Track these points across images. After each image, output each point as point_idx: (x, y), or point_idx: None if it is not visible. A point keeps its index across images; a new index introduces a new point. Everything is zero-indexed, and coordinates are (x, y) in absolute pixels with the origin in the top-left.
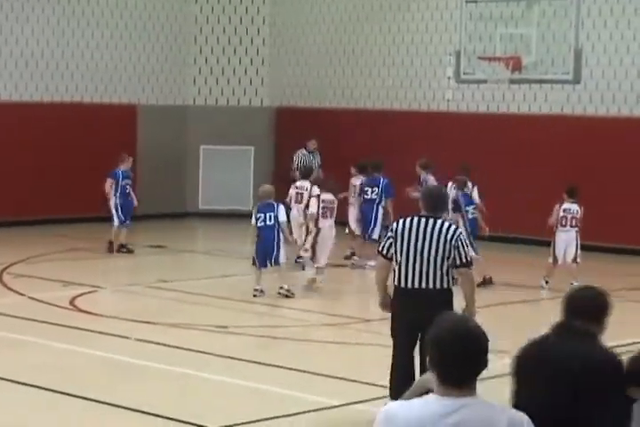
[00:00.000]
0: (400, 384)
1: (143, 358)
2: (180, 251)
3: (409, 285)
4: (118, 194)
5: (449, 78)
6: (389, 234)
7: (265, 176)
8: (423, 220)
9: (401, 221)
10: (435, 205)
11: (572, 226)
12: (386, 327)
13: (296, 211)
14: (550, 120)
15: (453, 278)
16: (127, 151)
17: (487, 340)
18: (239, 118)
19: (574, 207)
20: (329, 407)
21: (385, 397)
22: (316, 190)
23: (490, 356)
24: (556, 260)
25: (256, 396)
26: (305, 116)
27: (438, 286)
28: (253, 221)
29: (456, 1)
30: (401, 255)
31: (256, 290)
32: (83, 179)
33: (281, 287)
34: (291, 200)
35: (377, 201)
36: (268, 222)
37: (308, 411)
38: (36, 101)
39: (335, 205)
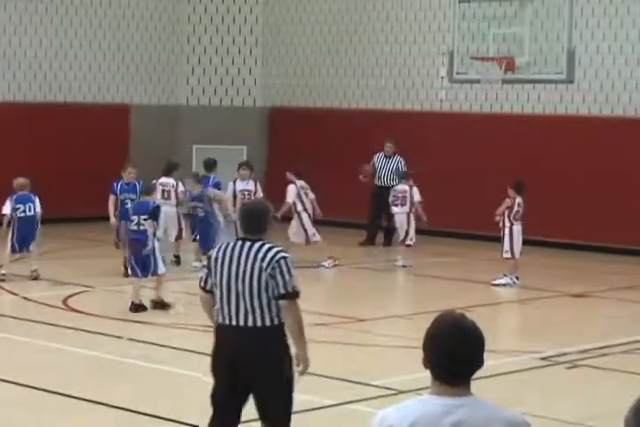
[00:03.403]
0: None
1: (134, 357)
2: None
3: (226, 321)
4: (118, 212)
5: (442, 78)
6: (205, 262)
7: (258, 176)
8: (239, 244)
9: (217, 247)
10: (251, 225)
11: (521, 220)
12: (380, 327)
13: (168, 207)
14: (543, 120)
15: (279, 313)
16: (120, 151)
17: (484, 339)
18: (232, 118)
19: (522, 202)
20: (323, 407)
21: (380, 396)
22: (181, 186)
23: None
24: (514, 254)
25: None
26: (298, 116)
27: (259, 323)
28: (9, 211)
29: (449, 1)
30: (216, 287)
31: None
32: (75, 178)
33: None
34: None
35: None
36: (28, 213)
37: (302, 411)
38: (28, 101)
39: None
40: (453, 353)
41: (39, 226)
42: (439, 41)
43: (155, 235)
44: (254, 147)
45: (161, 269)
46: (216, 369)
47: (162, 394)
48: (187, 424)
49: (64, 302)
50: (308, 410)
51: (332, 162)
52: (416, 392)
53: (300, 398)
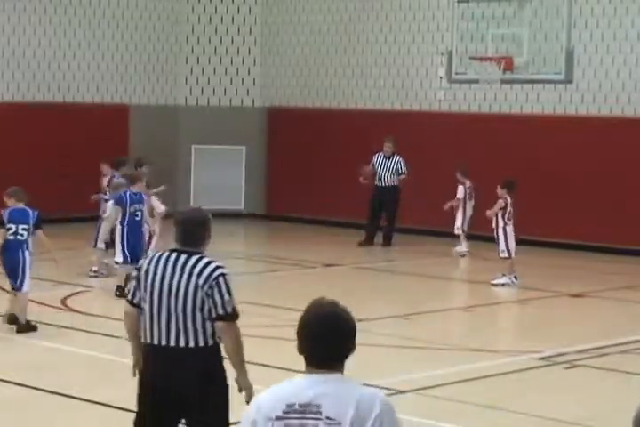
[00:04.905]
0: None
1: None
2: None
3: (154, 341)
4: (126, 224)
5: (441, 78)
6: (134, 274)
7: (256, 176)
8: (173, 256)
9: (149, 258)
10: (187, 236)
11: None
12: (379, 327)
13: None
14: (542, 120)
15: (214, 333)
16: (120, 151)
17: (353, 324)
18: (231, 118)
19: (511, 201)
20: None
21: None
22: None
23: (483, 355)
24: (510, 253)
25: None
26: (297, 116)
27: (192, 343)
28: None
29: (448, 1)
30: (145, 302)
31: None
32: (74, 178)
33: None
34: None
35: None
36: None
37: None
38: (27, 101)
39: None
40: (320, 339)
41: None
42: (438, 41)
43: (29, 247)
44: (253, 147)
45: (26, 286)
46: (142, 394)
47: None
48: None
49: (63, 302)
50: None
51: (330, 162)
52: (415, 392)
53: None
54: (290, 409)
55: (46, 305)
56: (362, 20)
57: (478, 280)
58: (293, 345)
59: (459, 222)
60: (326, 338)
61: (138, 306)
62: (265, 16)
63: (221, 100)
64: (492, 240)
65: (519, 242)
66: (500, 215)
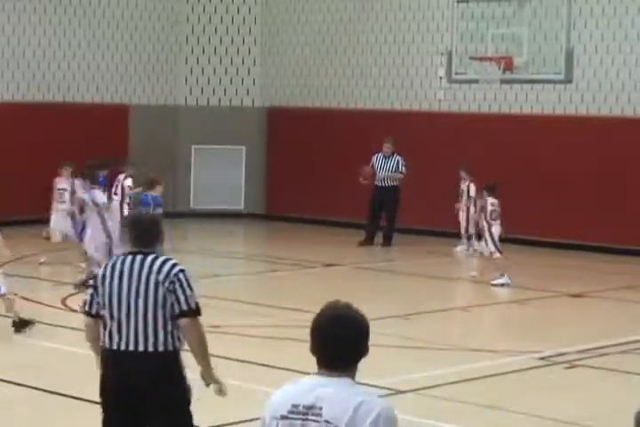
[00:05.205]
0: None
1: None
2: (170, 251)
3: (114, 345)
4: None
5: (441, 78)
6: (91, 282)
7: (256, 176)
8: (129, 258)
9: (105, 264)
10: (141, 237)
11: (499, 219)
12: (378, 327)
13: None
14: (542, 120)
15: (175, 339)
16: (119, 152)
17: (366, 326)
18: (231, 118)
19: (496, 202)
20: None
21: (378, 396)
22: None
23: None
24: (500, 251)
25: (246, 395)
26: (296, 116)
27: (152, 347)
28: None
29: (447, 1)
30: (104, 307)
31: None
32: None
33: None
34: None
35: None
36: None
37: None
38: (27, 101)
39: None
40: (331, 340)
41: None
42: (438, 41)
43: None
44: (253, 147)
45: (2, 289)
46: (105, 400)
47: None
48: None
49: (63, 301)
50: None
51: (330, 162)
52: (415, 392)
53: None
54: (294, 410)
55: (46, 305)
56: (362, 20)
57: (478, 280)
58: (293, 345)
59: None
60: (337, 339)
61: (97, 316)
62: (265, 16)
63: (221, 100)
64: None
65: (519, 242)
66: (482, 217)
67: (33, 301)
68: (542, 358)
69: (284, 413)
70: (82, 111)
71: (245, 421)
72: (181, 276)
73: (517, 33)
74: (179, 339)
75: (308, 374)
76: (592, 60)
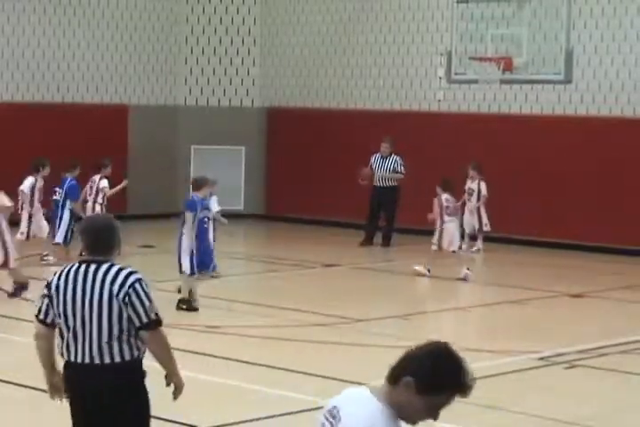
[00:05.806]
0: None
1: None
2: (169, 251)
3: (71, 357)
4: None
5: (440, 79)
6: (44, 292)
7: (256, 176)
8: (83, 267)
9: (58, 273)
10: (96, 244)
11: (455, 215)
12: (378, 327)
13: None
14: (541, 120)
15: (132, 348)
16: (119, 152)
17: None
18: (230, 118)
19: (452, 198)
20: (319, 407)
21: None
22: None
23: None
24: (441, 248)
25: (246, 396)
26: (296, 116)
27: (108, 359)
28: None
29: (447, 1)
30: (59, 318)
31: None
32: None
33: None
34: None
35: (61, 202)
36: None
37: (298, 411)
38: (26, 102)
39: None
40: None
41: None
42: (437, 41)
43: None
44: (252, 147)
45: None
46: (72, 412)
47: (160, 394)
48: (185, 424)
49: None
50: (303, 411)
51: (330, 162)
52: None
53: (297, 398)
54: (327, 409)
55: None
56: (361, 20)
57: (478, 280)
58: (293, 345)
59: (485, 219)
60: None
61: (52, 325)
62: (264, 16)
63: (221, 100)
64: (493, 240)
65: (519, 242)
66: (440, 214)
67: (33, 300)
68: (542, 359)
69: (324, 410)
70: (81, 111)
71: (245, 421)
72: (137, 286)
73: (517, 33)
74: (137, 348)
75: (308, 373)
76: (592, 61)
